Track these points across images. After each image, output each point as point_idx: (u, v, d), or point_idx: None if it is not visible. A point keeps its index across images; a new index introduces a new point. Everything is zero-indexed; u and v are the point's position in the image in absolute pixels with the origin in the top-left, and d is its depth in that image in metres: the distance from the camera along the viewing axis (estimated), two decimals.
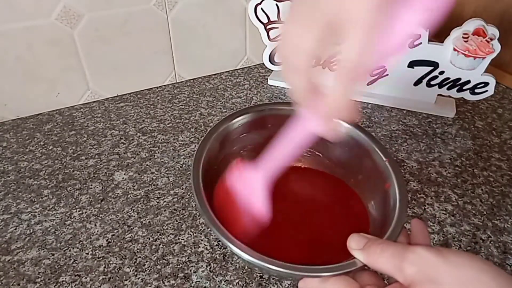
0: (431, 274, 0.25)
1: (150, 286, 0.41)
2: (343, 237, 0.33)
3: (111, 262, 0.44)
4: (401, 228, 0.33)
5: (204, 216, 0.33)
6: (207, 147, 0.39)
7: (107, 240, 0.46)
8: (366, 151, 0.41)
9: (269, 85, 0.75)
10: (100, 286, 0.41)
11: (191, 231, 0.47)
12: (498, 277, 0.24)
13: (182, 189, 0.52)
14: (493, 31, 0.57)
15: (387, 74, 0.67)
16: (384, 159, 0.39)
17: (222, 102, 0.70)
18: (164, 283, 0.41)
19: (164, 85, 0.75)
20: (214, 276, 0.42)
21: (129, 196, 0.52)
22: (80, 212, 0.49)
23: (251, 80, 0.76)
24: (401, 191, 0.36)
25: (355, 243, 0.28)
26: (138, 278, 0.42)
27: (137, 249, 0.45)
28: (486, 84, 0.63)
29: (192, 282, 0.42)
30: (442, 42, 0.61)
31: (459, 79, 0.64)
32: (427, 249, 0.25)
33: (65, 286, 0.41)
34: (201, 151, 0.39)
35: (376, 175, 0.39)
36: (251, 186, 0.37)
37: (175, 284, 0.41)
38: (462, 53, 0.60)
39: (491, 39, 0.58)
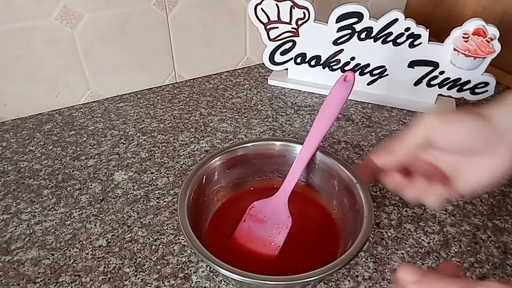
0: None
1: (150, 286, 0.41)
2: (316, 248, 0.43)
3: (111, 262, 0.44)
4: (366, 240, 0.37)
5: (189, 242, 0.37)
6: (191, 184, 0.43)
7: (107, 240, 0.46)
8: (338, 176, 0.45)
9: (269, 85, 0.75)
10: (100, 286, 0.41)
11: None
12: None
13: None
14: (493, 31, 0.57)
15: (387, 74, 0.67)
16: (355, 181, 0.43)
17: (222, 102, 0.70)
18: (164, 283, 0.41)
19: (164, 85, 0.75)
20: (214, 276, 0.42)
21: (129, 196, 0.52)
22: (80, 212, 0.49)
23: (251, 80, 0.76)
24: (368, 209, 0.40)
25: (409, 275, 0.26)
26: (138, 278, 0.42)
27: (137, 249, 0.45)
28: (486, 84, 0.63)
29: (192, 282, 0.42)
30: (442, 42, 0.61)
31: (459, 79, 0.64)
32: (498, 282, 0.24)
33: (65, 286, 0.41)
34: (187, 187, 0.42)
35: (349, 197, 0.43)
36: (276, 212, 0.45)
37: (175, 284, 0.41)
38: (463, 53, 0.60)
39: (491, 39, 0.58)
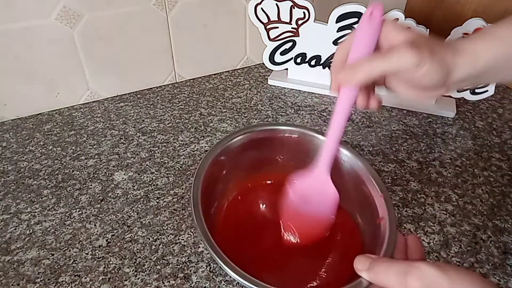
0: None
1: (150, 286, 0.41)
2: (340, 261, 0.41)
3: (111, 262, 0.44)
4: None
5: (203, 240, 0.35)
6: (206, 166, 0.42)
7: (107, 240, 0.46)
8: (364, 183, 0.42)
9: (269, 85, 0.75)
10: (100, 286, 0.41)
11: (191, 231, 0.47)
12: None
13: (182, 189, 0.52)
14: None
15: None
16: (380, 194, 0.40)
17: (222, 102, 0.70)
18: (164, 283, 0.41)
19: (164, 85, 0.74)
20: (214, 277, 0.42)
21: (128, 196, 0.52)
22: (80, 212, 0.49)
23: (251, 80, 0.76)
24: (391, 226, 0.37)
25: (360, 264, 0.30)
26: (138, 279, 0.42)
27: (137, 249, 0.45)
28: (487, 84, 0.63)
29: (192, 283, 0.42)
30: None
31: None
32: (429, 265, 0.26)
33: (65, 286, 0.41)
34: (202, 169, 0.41)
35: (370, 208, 0.41)
36: (318, 186, 0.42)
37: (175, 285, 0.41)
38: None
39: None
